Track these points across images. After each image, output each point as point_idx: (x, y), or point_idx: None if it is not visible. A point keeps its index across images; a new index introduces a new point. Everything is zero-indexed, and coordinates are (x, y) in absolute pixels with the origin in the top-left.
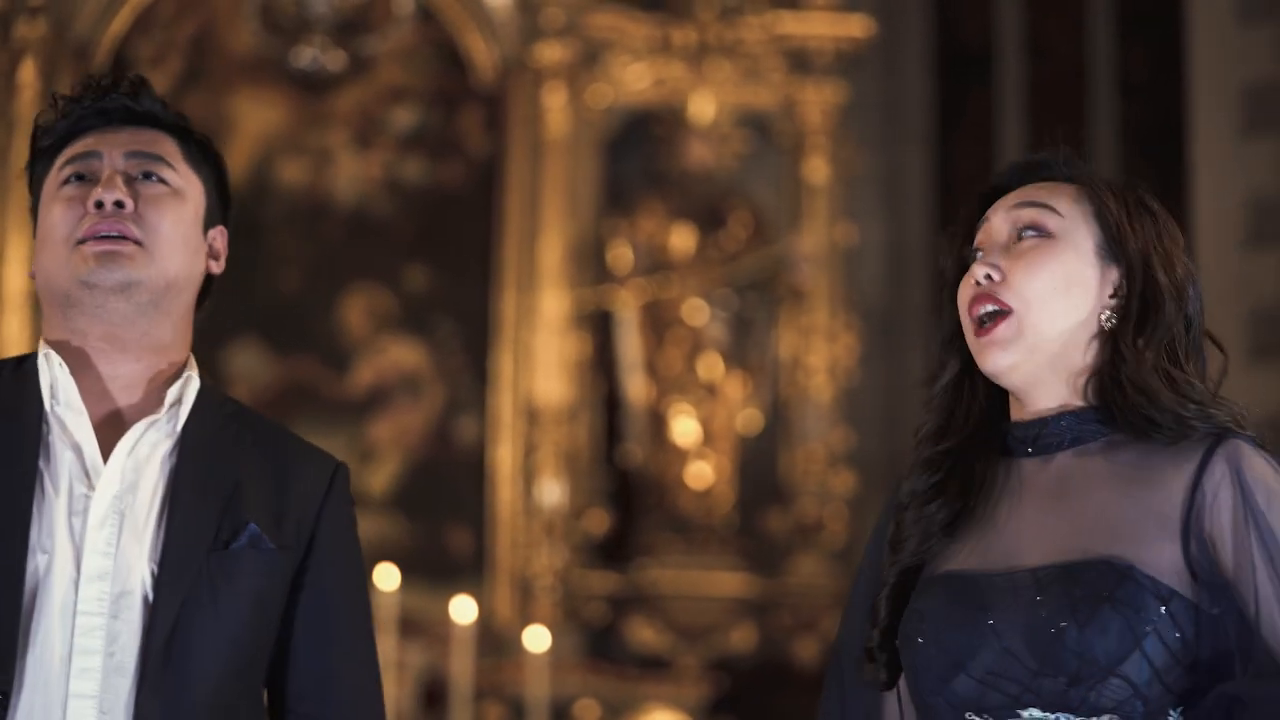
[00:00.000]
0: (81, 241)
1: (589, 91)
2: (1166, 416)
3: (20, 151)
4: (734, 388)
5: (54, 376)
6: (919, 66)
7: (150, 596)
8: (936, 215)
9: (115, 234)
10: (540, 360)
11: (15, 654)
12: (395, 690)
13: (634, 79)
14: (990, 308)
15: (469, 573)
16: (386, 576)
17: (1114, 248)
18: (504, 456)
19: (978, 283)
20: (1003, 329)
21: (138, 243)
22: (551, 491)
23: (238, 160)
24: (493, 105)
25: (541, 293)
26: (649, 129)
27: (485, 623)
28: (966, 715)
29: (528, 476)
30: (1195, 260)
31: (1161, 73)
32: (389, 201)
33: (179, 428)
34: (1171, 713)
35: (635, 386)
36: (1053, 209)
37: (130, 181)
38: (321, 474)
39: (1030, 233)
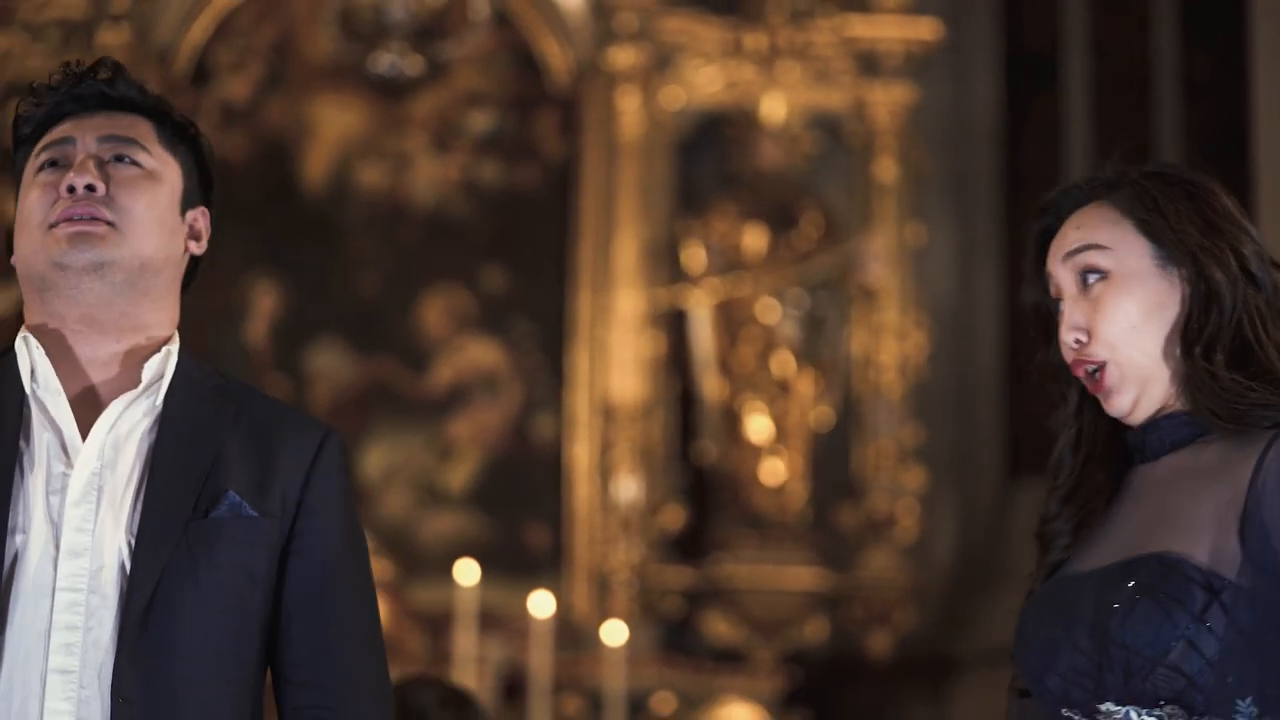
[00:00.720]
0: (54, 225)
1: (662, 94)
2: (1237, 417)
3: None
4: (806, 385)
5: (32, 359)
6: (987, 68)
7: (127, 569)
8: (1004, 215)
9: (87, 216)
10: (616, 359)
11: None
12: (475, 683)
13: (706, 82)
14: (1091, 367)
15: (547, 568)
16: (466, 572)
17: (1169, 250)
18: (581, 454)
19: (1071, 346)
20: (1109, 380)
21: (110, 224)
22: (628, 488)
23: (317, 164)
24: (567, 108)
25: (616, 292)
26: (721, 131)
27: (563, 617)
28: (1062, 711)
29: (604, 473)
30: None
31: (1225, 73)
32: (466, 204)
33: (159, 403)
34: (1240, 703)
35: (709, 384)
36: (1099, 246)
37: (103, 165)
38: (309, 441)
39: (1092, 276)
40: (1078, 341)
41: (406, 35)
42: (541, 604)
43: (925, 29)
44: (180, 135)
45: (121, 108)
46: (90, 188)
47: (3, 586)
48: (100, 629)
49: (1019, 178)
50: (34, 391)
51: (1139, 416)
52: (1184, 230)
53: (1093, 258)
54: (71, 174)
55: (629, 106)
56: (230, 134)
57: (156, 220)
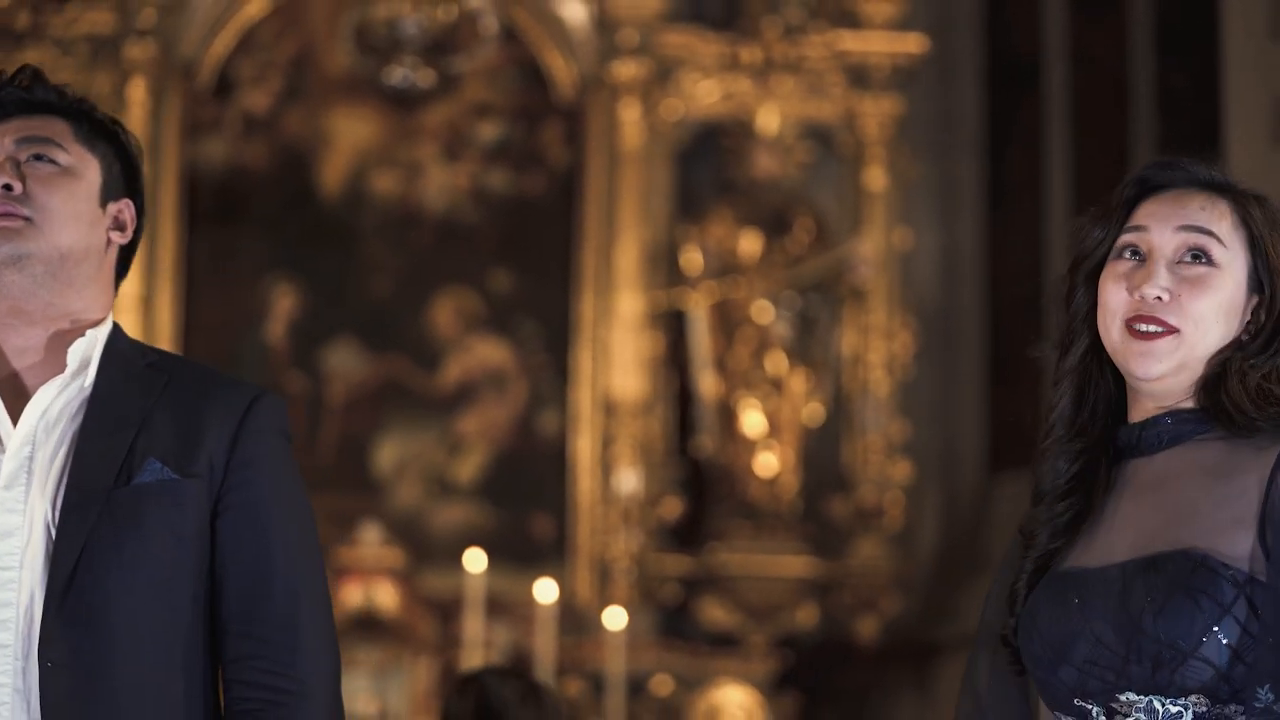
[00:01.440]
0: None
1: (662, 106)
2: (1247, 419)
3: None
4: (798, 383)
5: None
6: (971, 80)
7: (53, 541)
8: (988, 220)
9: (4, 214)
10: (617, 358)
11: None
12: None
13: (704, 94)
14: (1152, 327)
15: (551, 556)
16: (475, 560)
17: (1261, 275)
18: (583, 448)
19: (1144, 297)
20: (1166, 343)
21: (26, 219)
22: (628, 480)
23: (334, 172)
24: (572, 119)
25: (618, 294)
26: (718, 140)
27: (566, 603)
28: (1075, 701)
29: (606, 466)
30: None
31: (1199, 84)
32: (475, 210)
33: (88, 385)
34: (1259, 691)
35: (706, 382)
36: (1218, 238)
37: (19, 165)
38: (239, 402)
39: (1199, 257)
40: (1159, 298)
41: (419, 50)
42: (546, 590)
43: (912, 43)
44: (100, 132)
45: (40, 110)
46: (8, 187)
47: None
48: (33, 604)
49: (1002, 184)
50: None
51: (1149, 388)
52: (1277, 260)
53: (1211, 244)
54: None
55: (630, 117)
56: (251, 143)
57: (73, 214)
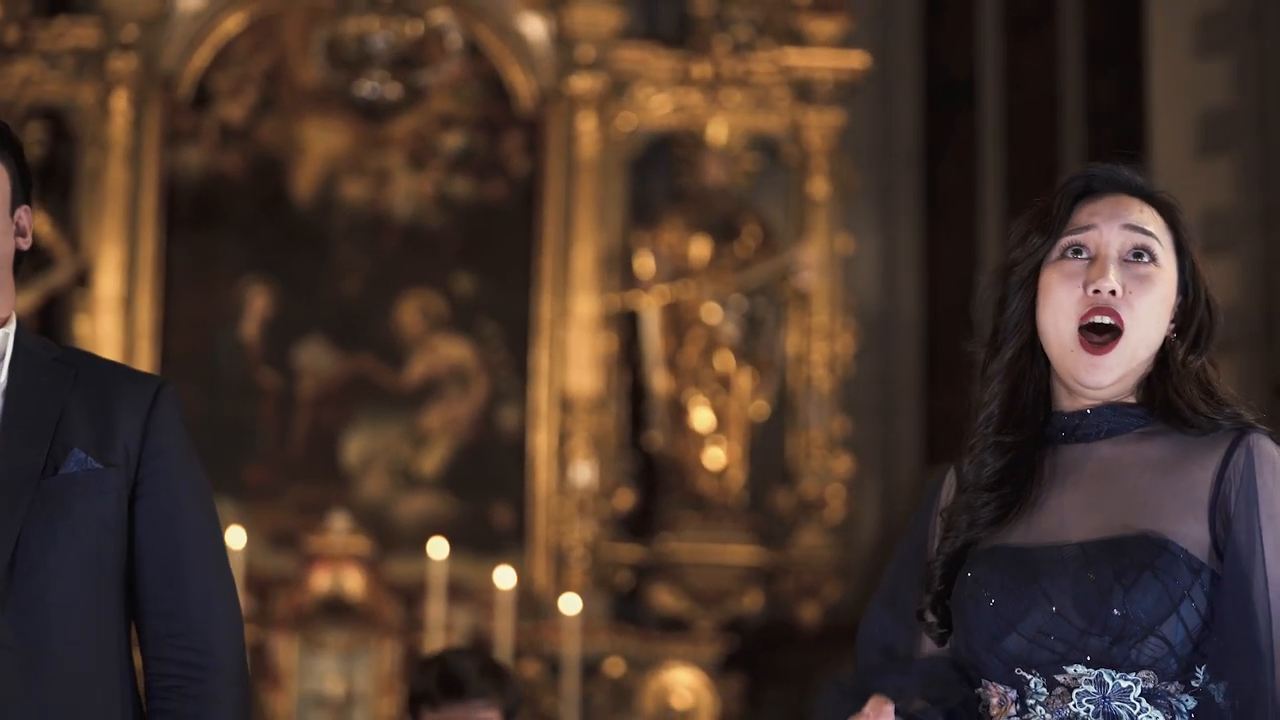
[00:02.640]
0: None
1: (617, 118)
2: (1200, 418)
3: (114, 171)
4: (745, 380)
5: None
6: (909, 95)
7: None
8: (925, 227)
9: None
10: (573, 356)
11: None
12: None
13: (657, 107)
14: (1107, 320)
15: (510, 545)
16: (437, 548)
17: (1187, 278)
18: (541, 442)
19: (1098, 291)
20: (1114, 355)
21: None
22: (583, 473)
23: (306, 180)
24: (532, 130)
25: (575, 296)
26: (670, 151)
27: (524, 589)
28: (1016, 670)
29: (562, 459)
30: None
31: (1126, 101)
32: (440, 216)
33: (1, 379)
34: (1198, 670)
35: (658, 379)
36: (1157, 239)
37: None
38: (145, 393)
39: (1141, 255)
40: (1112, 293)
41: (387, 64)
42: (505, 577)
43: (854, 60)
44: (5, 141)
45: None
46: None
47: None
48: None
49: (938, 194)
50: None
51: (1101, 396)
52: (1200, 267)
53: (1153, 244)
54: None
55: (587, 128)
56: (228, 152)
57: None
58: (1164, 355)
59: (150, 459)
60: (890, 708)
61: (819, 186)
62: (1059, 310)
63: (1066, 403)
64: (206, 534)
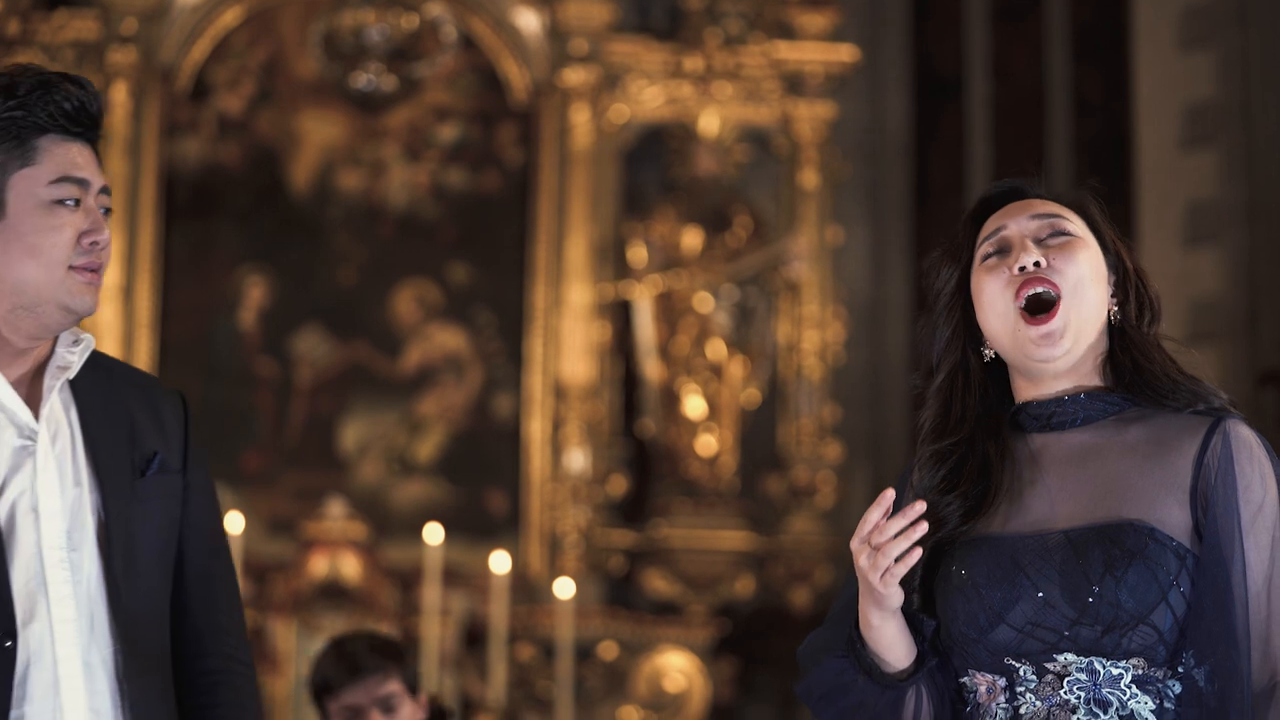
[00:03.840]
0: (73, 267)
1: (610, 110)
2: (1180, 388)
3: (114, 162)
4: (736, 369)
5: None
6: (898, 88)
7: (101, 527)
8: (914, 218)
9: (96, 268)
10: (567, 345)
11: (13, 603)
12: (440, 632)
13: (649, 99)
14: (1040, 289)
15: (505, 530)
16: (433, 533)
17: (1109, 254)
18: (535, 429)
19: (1023, 268)
20: (1056, 321)
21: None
22: (577, 459)
23: (303, 170)
24: (526, 122)
25: (568, 286)
26: (662, 142)
27: (519, 574)
28: (1005, 660)
29: (556, 446)
30: (1138, 258)
31: (1111, 94)
32: (435, 206)
33: (68, 381)
34: (1185, 655)
35: (650, 368)
36: (1068, 219)
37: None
38: (178, 403)
39: (1059, 236)
40: (1036, 264)
41: (383, 56)
42: (500, 562)
43: (844, 53)
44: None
45: None
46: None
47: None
48: (89, 582)
49: (926, 185)
50: None
51: (1054, 369)
52: (1120, 241)
53: (1063, 224)
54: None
55: (580, 120)
56: (226, 143)
57: None
58: (1120, 333)
59: (192, 468)
60: (892, 493)
61: (809, 178)
62: (995, 301)
63: (1032, 393)
64: (226, 542)
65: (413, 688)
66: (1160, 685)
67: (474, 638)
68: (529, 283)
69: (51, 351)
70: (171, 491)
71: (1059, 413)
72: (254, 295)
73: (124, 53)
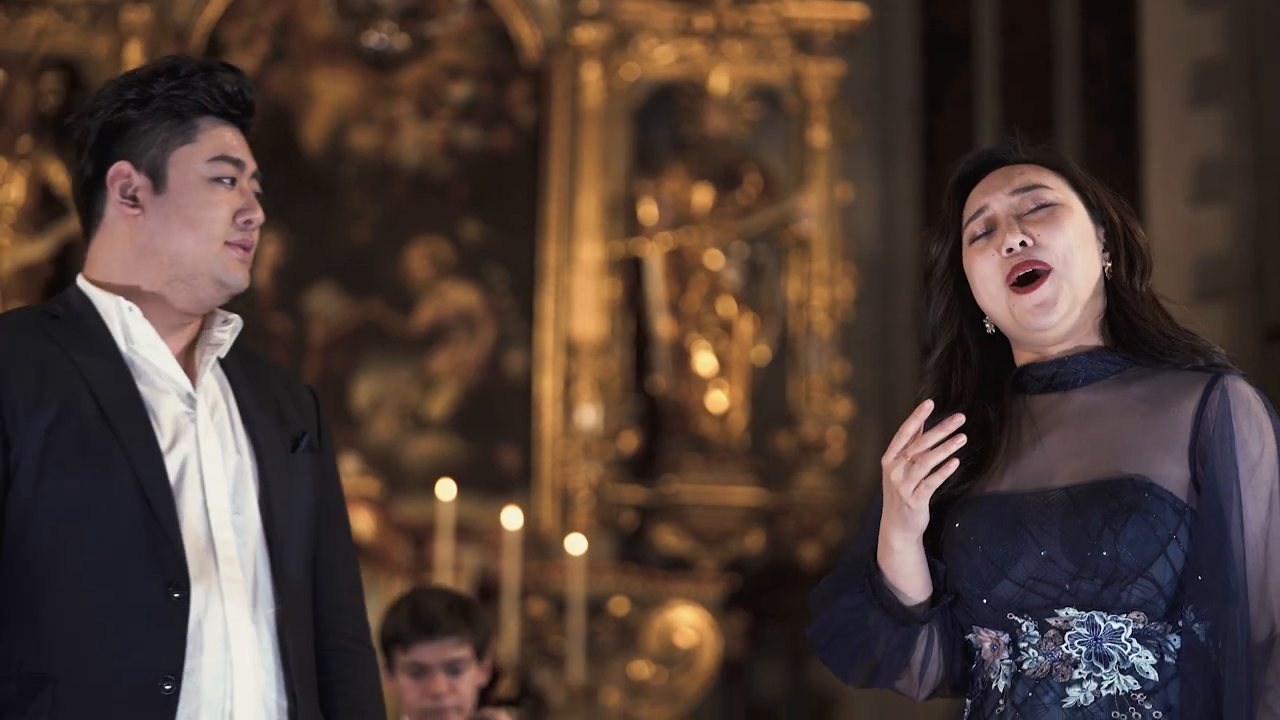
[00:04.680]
0: (230, 244)
1: (621, 68)
2: (1178, 345)
3: None
4: (747, 325)
5: (125, 321)
6: (908, 46)
7: (262, 491)
8: (923, 176)
9: (248, 246)
10: (579, 302)
11: (185, 557)
12: (453, 587)
13: (660, 57)
14: (1028, 270)
15: (517, 486)
16: (445, 489)
17: (1095, 210)
18: (547, 385)
19: (1010, 250)
20: (1046, 289)
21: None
22: (588, 416)
23: (316, 129)
24: (537, 80)
25: (580, 243)
26: (673, 100)
27: (531, 530)
28: (1008, 616)
29: (568, 403)
30: (1146, 214)
31: (1119, 52)
32: (447, 164)
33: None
34: (1185, 611)
35: (661, 324)
36: (1048, 186)
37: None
38: (308, 393)
39: (1041, 210)
40: (1023, 244)
41: (395, 15)
42: (512, 518)
43: (854, 11)
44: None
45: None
46: (248, 221)
47: (166, 510)
48: (255, 543)
49: (935, 143)
50: (131, 347)
51: (1054, 335)
52: (1104, 193)
53: (1041, 192)
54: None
55: (591, 79)
56: None
57: None
58: (1114, 291)
59: (326, 455)
60: (931, 404)
61: (819, 135)
62: (987, 282)
63: (1033, 358)
64: (350, 526)
65: (480, 652)
66: (1160, 639)
67: (486, 593)
68: (541, 240)
69: (200, 331)
70: (315, 470)
71: (1060, 373)
72: (268, 253)
73: (138, 12)
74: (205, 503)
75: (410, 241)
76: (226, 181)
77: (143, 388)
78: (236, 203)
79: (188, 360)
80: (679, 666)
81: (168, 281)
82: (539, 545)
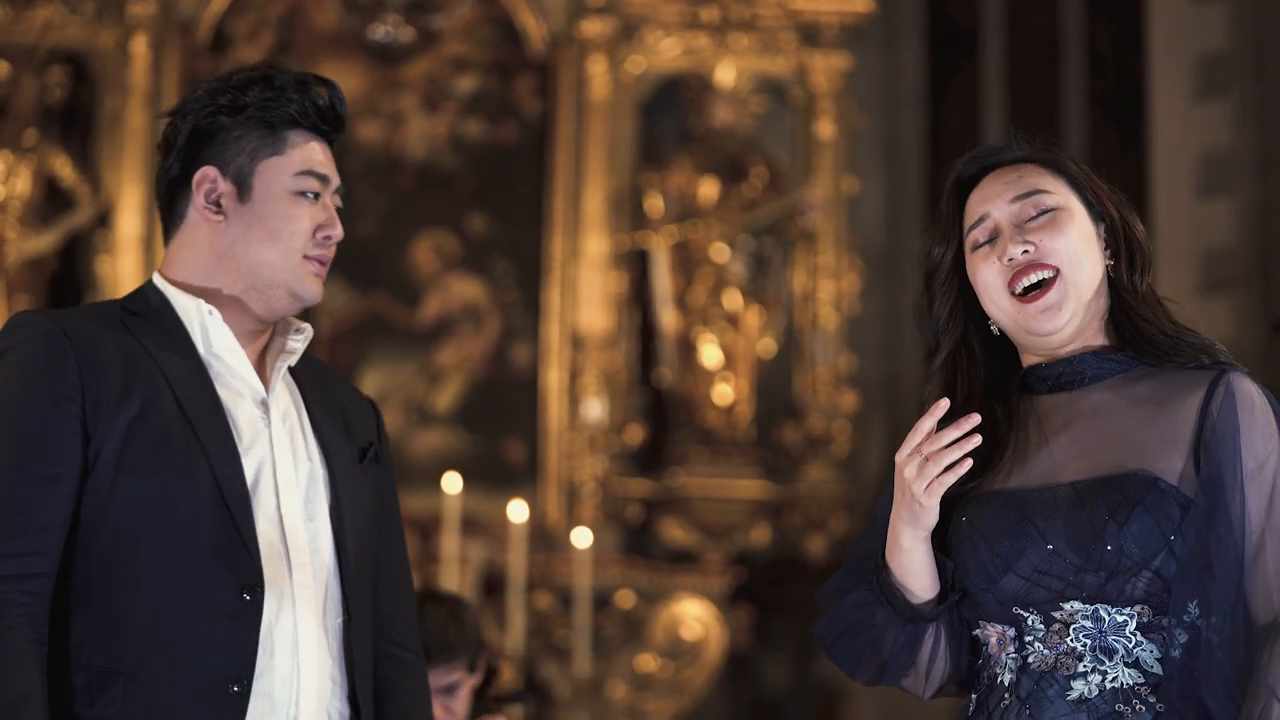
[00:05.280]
0: (308, 258)
1: (627, 61)
2: (1182, 344)
3: (134, 114)
4: (753, 318)
5: (205, 324)
6: (914, 39)
7: (334, 500)
8: (928, 169)
9: (325, 260)
10: (584, 295)
11: (260, 559)
12: (458, 581)
13: (666, 50)
14: (1036, 276)
15: (523, 479)
16: (451, 482)
17: (1095, 208)
18: (553, 378)
19: (1012, 259)
20: (1053, 295)
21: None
22: (594, 409)
23: None
24: (543, 73)
25: (586, 236)
26: (679, 93)
27: (537, 523)
28: (1014, 610)
29: (574, 396)
30: (1152, 207)
31: (1125, 45)
32: (453, 157)
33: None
34: (1189, 605)
35: (667, 317)
36: (1047, 190)
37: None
38: (370, 407)
39: (1042, 216)
40: (1025, 252)
41: (400, 8)
42: (518, 511)
43: (859, 4)
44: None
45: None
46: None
47: (243, 513)
48: (324, 552)
49: (941, 137)
50: (210, 350)
51: (1060, 339)
52: (1104, 190)
53: (1043, 197)
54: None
55: (597, 71)
56: None
57: None
58: (1116, 291)
59: (385, 470)
60: (946, 402)
61: (825, 128)
62: (991, 290)
63: (1032, 358)
64: (404, 536)
65: (473, 664)
66: (1166, 633)
67: (492, 586)
68: (546, 233)
69: (272, 338)
70: (378, 482)
71: (1067, 373)
72: None
73: (144, 5)
74: (279, 508)
75: (416, 234)
76: (310, 196)
77: (220, 390)
78: (318, 217)
79: (260, 366)
80: (685, 659)
81: (244, 289)
82: (545, 538)
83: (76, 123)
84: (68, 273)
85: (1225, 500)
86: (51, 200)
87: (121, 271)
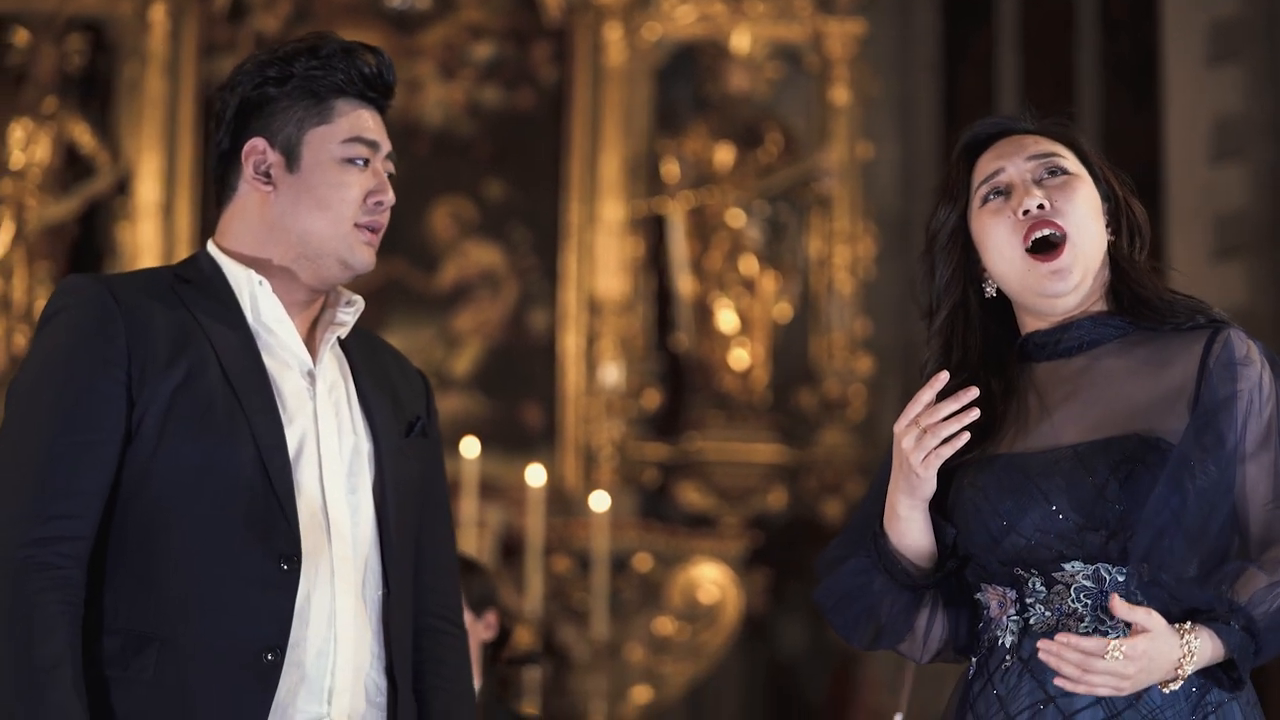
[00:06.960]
0: (359, 226)
1: (643, 27)
2: (1178, 306)
3: (153, 82)
4: (769, 283)
5: (255, 295)
6: (929, 5)
7: (378, 474)
8: (943, 135)
9: (377, 228)
10: (601, 260)
11: (299, 528)
12: (476, 544)
13: (682, 16)
14: (1046, 231)
15: (540, 443)
16: (469, 447)
17: (1100, 184)
18: (570, 343)
19: (1027, 212)
20: (1065, 257)
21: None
22: (611, 373)
23: None
24: (560, 40)
25: (602, 202)
26: (695, 60)
27: (555, 487)
28: (1015, 570)
29: (591, 361)
30: (1165, 173)
31: (1139, 11)
32: (470, 124)
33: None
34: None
35: (684, 282)
36: (1062, 156)
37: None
38: (420, 379)
39: (1058, 175)
40: (1040, 207)
41: None
42: (535, 475)
43: None
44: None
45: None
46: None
47: (284, 483)
48: (365, 525)
49: (956, 102)
50: (259, 320)
51: (1066, 304)
52: (1107, 169)
53: (1058, 160)
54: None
55: (614, 38)
56: None
57: None
58: (1116, 263)
59: (434, 440)
60: (946, 374)
61: (840, 94)
62: (1001, 244)
63: (1038, 325)
64: (450, 509)
65: (476, 607)
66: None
67: (510, 550)
68: (563, 199)
69: (323, 309)
70: (425, 455)
71: (1065, 338)
72: None
73: None
74: (322, 479)
75: (433, 201)
76: (360, 163)
77: (267, 360)
78: (368, 184)
79: (309, 337)
80: (702, 623)
81: (295, 259)
82: (563, 502)
83: (95, 90)
84: (87, 239)
85: (1227, 455)
86: (71, 167)
87: (141, 238)
